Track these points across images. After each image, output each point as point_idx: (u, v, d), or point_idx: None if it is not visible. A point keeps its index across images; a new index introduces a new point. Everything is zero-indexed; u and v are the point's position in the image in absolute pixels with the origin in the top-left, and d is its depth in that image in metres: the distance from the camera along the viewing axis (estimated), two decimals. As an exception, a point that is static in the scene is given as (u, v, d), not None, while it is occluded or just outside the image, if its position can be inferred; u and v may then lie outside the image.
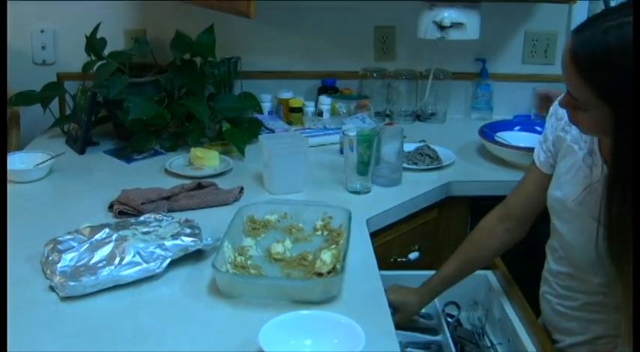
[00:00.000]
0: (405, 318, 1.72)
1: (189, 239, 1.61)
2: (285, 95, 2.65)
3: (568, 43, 1.24)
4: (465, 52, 2.73)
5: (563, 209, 1.48)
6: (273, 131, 2.49)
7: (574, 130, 1.46)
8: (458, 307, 1.82)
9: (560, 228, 1.50)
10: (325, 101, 2.54)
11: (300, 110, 2.60)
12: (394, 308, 1.64)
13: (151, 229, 1.67)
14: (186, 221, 1.71)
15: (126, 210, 1.84)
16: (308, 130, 2.47)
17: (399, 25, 2.72)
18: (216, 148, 2.28)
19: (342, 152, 2.33)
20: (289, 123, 2.59)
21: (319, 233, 1.76)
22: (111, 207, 1.87)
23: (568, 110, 1.35)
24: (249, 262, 1.59)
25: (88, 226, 1.65)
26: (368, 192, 2.04)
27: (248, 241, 1.69)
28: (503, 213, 1.68)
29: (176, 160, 2.21)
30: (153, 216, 1.75)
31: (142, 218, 1.74)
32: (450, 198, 2.18)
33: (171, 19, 2.58)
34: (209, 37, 2.37)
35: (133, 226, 1.67)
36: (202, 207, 1.91)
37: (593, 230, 1.32)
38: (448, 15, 2.37)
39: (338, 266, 1.52)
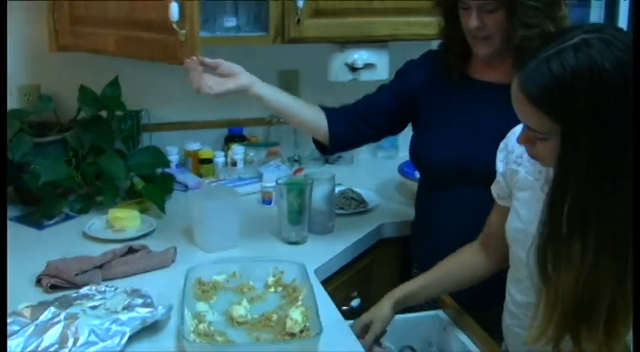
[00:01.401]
0: (382, 326, 1.65)
1: (145, 310, 1.50)
2: (193, 146, 2.55)
3: (515, 85, 1.28)
4: (367, 92, 2.75)
5: (526, 236, 1.50)
6: (186, 185, 2.40)
7: (526, 163, 1.50)
8: (414, 351, 1.80)
9: (522, 254, 1.52)
10: (238, 150, 2.47)
11: (210, 161, 2.52)
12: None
13: (97, 303, 1.54)
14: (134, 291, 1.59)
15: (58, 284, 1.68)
16: (223, 182, 2.39)
17: (302, 69, 2.71)
18: (132, 207, 2.15)
19: (264, 202, 2.29)
20: (200, 175, 2.50)
21: (272, 290, 1.69)
22: (39, 281, 1.71)
23: (527, 147, 1.38)
24: (211, 329, 1.50)
25: (28, 306, 1.50)
26: (305, 241, 2.00)
27: (202, 306, 1.59)
28: (481, 242, 1.69)
29: (94, 223, 2.06)
30: (94, 288, 1.62)
31: (83, 291, 1.60)
32: (381, 241, 2.17)
33: (64, 72, 2.43)
34: (114, 89, 2.25)
35: (77, 301, 1.54)
36: (138, 273, 1.79)
37: None
38: (359, 56, 2.39)
39: (308, 324, 1.47)
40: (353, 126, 1.96)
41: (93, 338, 1.40)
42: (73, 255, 1.82)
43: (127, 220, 2.05)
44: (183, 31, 1.81)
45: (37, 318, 1.44)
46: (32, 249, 1.93)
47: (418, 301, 1.72)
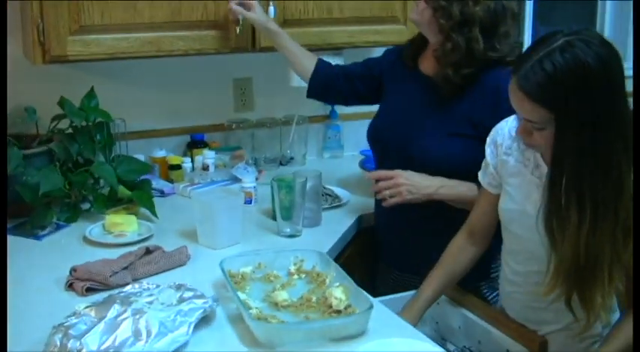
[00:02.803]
0: None
1: (200, 301, 1.60)
2: (160, 154, 2.63)
3: (513, 85, 1.53)
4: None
5: (521, 215, 1.73)
6: (162, 191, 2.48)
7: (515, 152, 1.74)
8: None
9: (518, 231, 1.75)
10: (209, 155, 2.58)
11: (179, 167, 2.61)
12: None
13: (151, 299, 1.62)
14: (180, 285, 1.68)
15: (94, 286, 1.75)
16: (198, 185, 2.49)
17: (255, 76, 2.85)
18: (122, 213, 2.22)
19: (245, 202, 2.41)
20: (170, 181, 2.58)
21: (296, 277, 1.83)
22: (70, 285, 1.77)
23: (523, 137, 1.61)
24: (263, 312, 1.63)
25: (88, 306, 1.56)
26: (300, 234, 2.15)
27: (242, 295, 1.71)
28: (467, 232, 1.89)
29: (93, 229, 2.12)
30: (137, 286, 1.70)
31: (128, 290, 1.68)
32: (359, 232, 2.35)
33: (27, 86, 2.45)
34: (92, 100, 2.30)
35: (133, 298, 1.61)
36: (160, 272, 1.88)
37: None
38: (318, 62, 2.57)
39: (350, 301, 1.63)
40: (332, 77, 2.33)
41: (163, 329, 1.48)
42: (85, 260, 1.88)
43: (125, 225, 2.12)
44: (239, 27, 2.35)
45: (105, 316, 1.50)
46: (43, 258, 1.98)
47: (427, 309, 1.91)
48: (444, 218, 2.04)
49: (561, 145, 1.52)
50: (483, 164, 1.85)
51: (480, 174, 1.86)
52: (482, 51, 1.95)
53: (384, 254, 2.28)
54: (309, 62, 2.35)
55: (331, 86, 2.34)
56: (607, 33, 3.63)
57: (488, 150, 1.83)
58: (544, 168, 1.66)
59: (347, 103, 2.51)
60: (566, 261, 1.55)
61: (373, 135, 2.25)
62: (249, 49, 2.44)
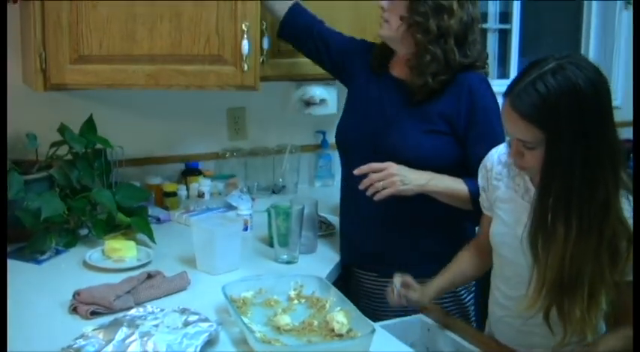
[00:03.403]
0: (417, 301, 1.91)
1: (206, 324, 1.64)
2: (155, 181, 2.67)
3: (506, 104, 1.59)
4: (306, 126, 3.00)
5: (512, 238, 1.78)
6: (157, 218, 2.51)
7: (505, 178, 1.81)
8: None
9: (509, 255, 1.80)
10: (205, 183, 2.62)
11: (175, 194, 2.64)
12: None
13: (156, 322, 1.65)
14: (184, 309, 1.71)
15: (99, 310, 1.77)
16: (194, 212, 2.53)
17: (248, 105, 2.91)
18: (120, 239, 2.25)
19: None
20: (165, 208, 2.61)
21: (296, 302, 1.87)
22: (74, 309, 1.79)
23: (516, 159, 1.67)
24: (266, 336, 1.66)
25: (96, 328, 1.59)
26: (296, 261, 2.19)
27: (245, 319, 1.74)
28: (476, 248, 1.96)
29: (92, 255, 2.14)
30: (141, 310, 1.72)
31: (132, 313, 1.70)
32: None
33: (26, 112, 2.49)
34: (91, 127, 2.34)
35: (139, 321, 1.64)
36: (162, 296, 1.90)
37: None
38: (314, 92, 2.63)
39: (352, 326, 1.67)
40: (305, 28, 2.31)
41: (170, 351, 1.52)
42: (86, 285, 1.89)
43: (124, 251, 2.15)
44: (247, 64, 2.20)
45: (113, 338, 1.54)
46: (45, 282, 1.99)
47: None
48: (416, 216, 2.12)
49: (551, 162, 1.58)
50: (480, 189, 1.91)
51: (480, 199, 1.92)
52: (457, 59, 2.03)
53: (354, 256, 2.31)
54: (284, 6, 2.33)
55: (298, 39, 2.34)
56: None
57: (480, 174, 1.89)
58: (533, 192, 1.72)
59: (311, 59, 2.41)
60: (551, 274, 1.59)
61: (342, 135, 2.26)
62: (256, 88, 2.29)
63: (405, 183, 1.99)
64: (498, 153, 1.83)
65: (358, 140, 2.18)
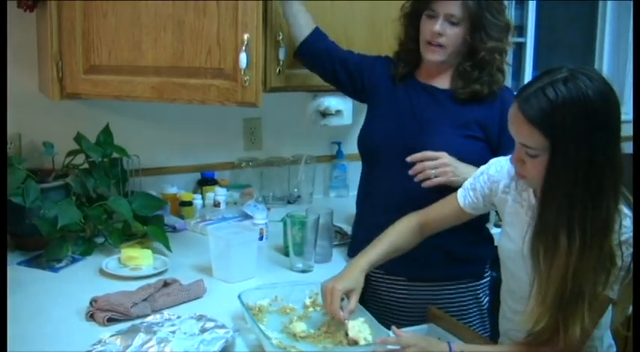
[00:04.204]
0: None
1: (222, 331, 1.64)
2: (171, 190, 2.68)
3: (514, 108, 1.58)
4: (322, 137, 3.01)
5: (517, 254, 1.78)
6: (173, 227, 2.52)
7: (513, 191, 1.80)
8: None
9: (514, 269, 1.79)
10: (221, 192, 2.63)
11: (190, 203, 2.65)
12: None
13: (173, 329, 1.65)
14: (201, 316, 1.72)
15: (115, 317, 1.77)
16: (210, 221, 2.53)
17: (264, 116, 2.92)
18: (136, 247, 2.25)
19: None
20: (181, 217, 2.62)
21: (311, 309, 1.87)
22: (91, 316, 1.79)
23: (517, 166, 1.66)
24: (283, 343, 1.66)
25: (114, 335, 1.60)
26: (311, 270, 2.19)
27: (261, 326, 1.74)
28: (421, 221, 1.94)
29: (109, 263, 2.15)
30: (158, 317, 1.73)
31: (149, 320, 1.71)
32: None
33: (42, 120, 2.51)
34: (107, 136, 2.36)
35: (156, 327, 1.64)
36: (178, 304, 1.91)
37: None
38: (330, 103, 2.63)
39: (369, 332, 1.67)
40: (322, 51, 2.29)
41: (188, 358, 1.53)
42: (103, 292, 1.90)
43: (141, 259, 2.16)
44: (247, 78, 2.02)
45: (131, 344, 1.55)
46: (62, 290, 2.00)
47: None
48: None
49: (553, 173, 1.56)
50: (470, 186, 1.90)
51: (460, 191, 1.91)
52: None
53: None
54: (307, 29, 2.30)
55: (317, 60, 2.32)
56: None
57: (480, 178, 1.88)
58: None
59: (324, 79, 2.40)
60: (553, 288, 1.56)
61: (371, 140, 2.24)
62: (257, 105, 2.13)
63: (457, 174, 2.02)
64: (508, 167, 1.82)
65: (391, 143, 2.17)
